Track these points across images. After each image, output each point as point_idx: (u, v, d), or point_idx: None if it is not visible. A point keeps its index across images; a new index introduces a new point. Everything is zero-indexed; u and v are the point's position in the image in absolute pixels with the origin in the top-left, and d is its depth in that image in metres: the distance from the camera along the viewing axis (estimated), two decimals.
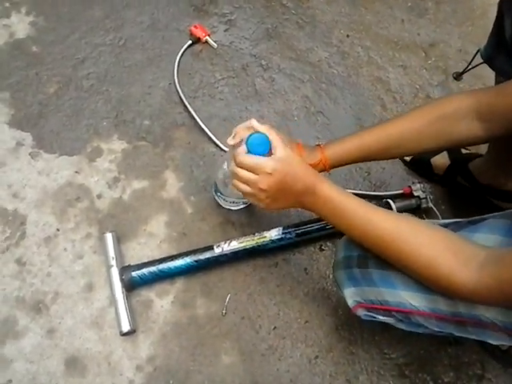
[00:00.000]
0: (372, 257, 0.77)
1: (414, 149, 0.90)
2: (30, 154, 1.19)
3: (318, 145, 0.92)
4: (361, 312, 0.84)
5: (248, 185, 0.77)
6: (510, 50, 0.91)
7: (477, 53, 1.05)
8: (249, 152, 0.76)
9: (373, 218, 0.72)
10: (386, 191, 1.22)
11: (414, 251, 0.68)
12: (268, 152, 0.75)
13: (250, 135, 0.76)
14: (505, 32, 0.91)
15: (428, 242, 0.68)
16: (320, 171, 0.87)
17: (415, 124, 0.86)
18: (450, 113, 0.83)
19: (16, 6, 1.42)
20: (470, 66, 1.08)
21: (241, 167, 0.76)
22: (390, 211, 0.79)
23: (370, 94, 1.40)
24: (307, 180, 0.74)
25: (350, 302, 0.84)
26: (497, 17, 0.94)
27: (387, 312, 0.79)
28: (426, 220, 0.77)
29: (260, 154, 0.75)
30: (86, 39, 1.39)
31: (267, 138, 0.76)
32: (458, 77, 1.18)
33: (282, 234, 1.07)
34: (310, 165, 0.81)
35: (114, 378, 0.98)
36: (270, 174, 0.73)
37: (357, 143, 0.90)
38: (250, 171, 0.75)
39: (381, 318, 0.81)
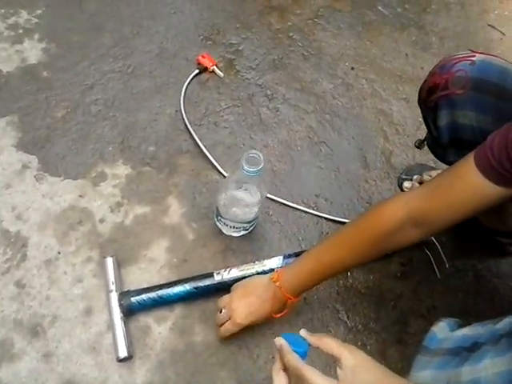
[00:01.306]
0: None
1: (364, 258, 0.90)
2: (35, 177, 1.20)
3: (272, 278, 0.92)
4: None
5: None
6: (442, 146, 0.99)
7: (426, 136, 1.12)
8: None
9: None
10: None
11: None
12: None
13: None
14: (431, 131, 1.00)
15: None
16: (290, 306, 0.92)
17: (355, 250, 0.86)
18: (386, 230, 0.82)
19: (29, 33, 1.45)
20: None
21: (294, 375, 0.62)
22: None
23: (373, 126, 1.42)
24: None
25: None
26: (423, 118, 1.04)
27: None
28: None
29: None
30: (96, 66, 1.42)
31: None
32: (420, 145, 1.20)
33: (283, 262, 1.07)
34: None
35: None
36: None
37: (311, 267, 0.89)
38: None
39: None
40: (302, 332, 0.66)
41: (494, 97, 0.85)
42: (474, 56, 0.88)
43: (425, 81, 0.95)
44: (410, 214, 0.80)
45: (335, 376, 0.59)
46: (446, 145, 0.98)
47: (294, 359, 0.60)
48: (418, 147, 1.23)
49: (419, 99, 0.99)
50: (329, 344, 0.62)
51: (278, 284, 0.89)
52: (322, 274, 0.89)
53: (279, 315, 0.91)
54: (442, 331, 0.91)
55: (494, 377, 0.71)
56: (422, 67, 1.56)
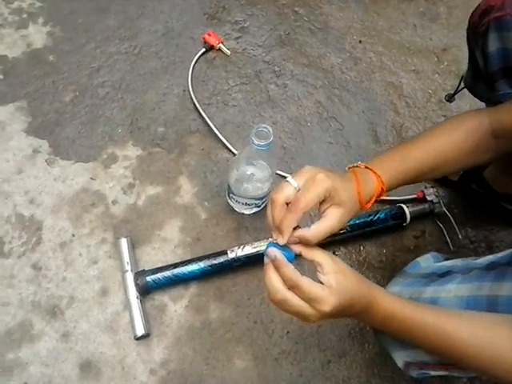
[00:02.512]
0: None
1: (456, 166, 0.84)
2: (46, 161, 1.21)
3: (367, 167, 0.77)
4: (413, 372, 0.82)
5: (296, 312, 0.62)
6: (485, 80, 0.94)
7: (461, 79, 1.07)
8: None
9: (446, 329, 0.65)
10: (399, 196, 1.21)
11: (495, 357, 0.63)
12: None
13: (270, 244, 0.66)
14: (478, 64, 0.94)
15: (508, 345, 0.63)
16: (378, 197, 0.76)
17: (452, 139, 0.81)
18: (475, 129, 0.80)
19: (33, 17, 1.45)
20: (459, 88, 1.09)
21: (289, 285, 0.61)
22: (454, 311, 0.70)
23: (382, 99, 1.40)
24: (363, 301, 0.64)
25: (400, 364, 0.83)
26: (469, 49, 0.98)
27: (442, 366, 0.77)
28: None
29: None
30: (102, 48, 1.41)
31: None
32: (450, 99, 1.18)
33: None
34: (370, 195, 0.73)
35: (128, 382, 0.98)
36: (328, 310, 0.60)
37: (408, 164, 0.80)
38: (300, 296, 0.61)
39: (434, 373, 0.80)
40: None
41: None
42: None
43: (477, 6, 0.90)
44: (491, 122, 0.78)
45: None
46: (495, 75, 0.92)
47: (290, 271, 0.60)
48: (448, 101, 1.20)
49: (469, 26, 0.94)
50: (312, 251, 0.63)
51: (373, 168, 0.76)
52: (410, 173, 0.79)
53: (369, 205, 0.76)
54: (426, 261, 0.94)
55: (453, 299, 0.74)
56: (430, 38, 1.54)
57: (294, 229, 0.63)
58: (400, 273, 0.97)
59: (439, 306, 0.75)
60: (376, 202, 0.76)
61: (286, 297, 0.60)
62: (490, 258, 0.78)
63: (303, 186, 0.64)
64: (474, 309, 0.70)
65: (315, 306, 0.59)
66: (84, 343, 1.02)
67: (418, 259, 0.96)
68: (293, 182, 0.64)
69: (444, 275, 0.82)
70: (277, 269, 0.61)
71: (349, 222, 0.70)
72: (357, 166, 0.76)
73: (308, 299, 0.59)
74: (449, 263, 0.88)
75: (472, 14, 0.91)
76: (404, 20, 1.58)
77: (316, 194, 0.62)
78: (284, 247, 0.64)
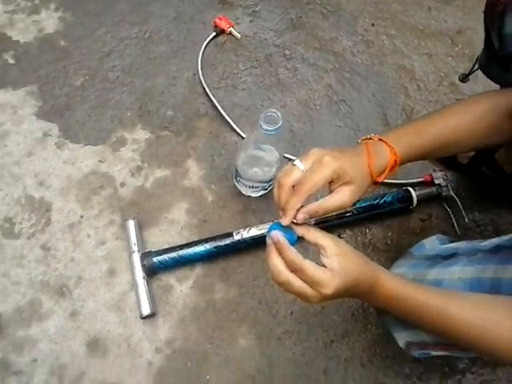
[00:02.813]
0: None
1: (469, 144, 0.83)
2: (56, 144, 1.22)
3: (380, 139, 0.75)
4: (415, 352, 0.83)
5: (298, 293, 0.63)
6: (500, 61, 0.92)
7: (477, 59, 1.04)
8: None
9: (449, 310, 0.65)
10: (407, 179, 1.20)
11: (497, 338, 0.63)
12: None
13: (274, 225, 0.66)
14: (494, 45, 0.92)
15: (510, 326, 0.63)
16: (391, 170, 0.75)
17: (468, 117, 0.80)
18: (491, 108, 0.79)
19: (45, 3, 1.46)
20: (474, 68, 1.07)
21: (292, 268, 0.62)
22: (457, 293, 0.69)
23: (393, 83, 1.38)
24: (366, 282, 0.65)
25: (402, 344, 0.84)
26: (485, 30, 0.95)
27: (443, 347, 0.78)
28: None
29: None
30: (112, 33, 1.42)
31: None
32: (464, 79, 1.15)
33: None
34: (383, 167, 0.72)
35: (134, 360, 1.00)
36: (330, 293, 0.61)
37: (422, 138, 0.78)
38: (303, 278, 0.61)
39: (435, 353, 0.80)
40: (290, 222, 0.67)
41: None
42: None
43: None
44: (508, 103, 0.78)
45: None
46: (510, 56, 0.89)
47: (292, 254, 0.61)
48: (461, 81, 1.18)
49: (486, 6, 0.91)
50: (315, 234, 0.64)
51: (386, 140, 0.75)
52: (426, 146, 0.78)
53: (382, 178, 0.75)
54: (431, 243, 0.94)
55: (457, 281, 0.74)
56: (445, 20, 1.51)
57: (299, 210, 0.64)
58: (405, 254, 0.96)
59: (443, 287, 0.75)
60: (382, 183, 0.76)
61: (288, 279, 0.61)
62: (494, 240, 0.78)
63: (310, 168, 0.64)
64: (477, 291, 0.70)
65: (317, 288, 0.60)
66: (91, 322, 1.03)
67: (424, 241, 0.96)
68: (300, 165, 0.65)
69: (448, 257, 0.81)
70: (279, 252, 0.62)
71: (362, 195, 0.70)
72: (370, 138, 0.75)
73: (310, 282, 0.60)
74: (454, 245, 0.87)
75: None
76: (418, 2, 1.55)
77: (322, 176, 0.63)
78: (287, 229, 0.65)
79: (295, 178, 0.64)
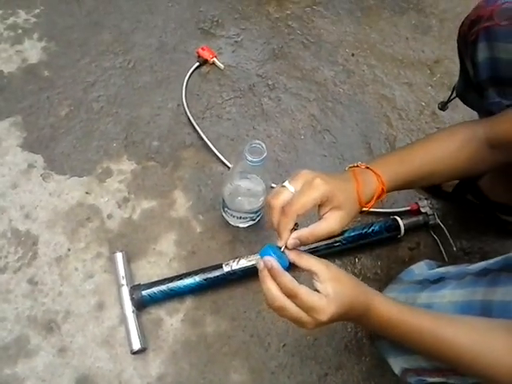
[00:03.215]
0: None
1: (452, 174, 0.85)
2: (41, 176, 1.21)
3: (367, 167, 0.76)
4: (411, 378, 0.83)
5: (293, 319, 0.63)
6: (476, 88, 0.96)
7: (454, 88, 1.09)
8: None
9: (444, 334, 0.65)
10: (393, 208, 1.22)
11: (492, 362, 0.63)
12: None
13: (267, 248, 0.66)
14: (469, 73, 0.96)
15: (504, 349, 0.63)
16: (378, 198, 0.75)
17: (448, 147, 0.81)
18: (470, 139, 0.81)
19: (28, 32, 1.46)
20: (452, 96, 1.11)
21: (287, 294, 0.61)
22: (451, 316, 0.70)
23: (375, 112, 1.42)
24: (360, 306, 0.65)
25: (398, 371, 0.84)
26: (460, 59, 1.00)
27: (439, 373, 0.77)
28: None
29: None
30: (96, 63, 1.42)
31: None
32: (443, 107, 1.19)
33: None
34: (370, 194, 0.73)
35: None
36: (325, 319, 0.61)
37: (406, 168, 0.80)
38: (298, 304, 0.61)
39: (431, 380, 0.80)
40: (282, 248, 0.66)
41: None
42: None
43: (467, 16, 0.91)
44: (486, 132, 0.80)
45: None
46: (484, 84, 0.93)
47: (287, 279, 0.60)
48: (441, 109, 1.21)
49: (459, 35, 0.95)
50: (307, 259, 0.65)
51: (373, 169, 0.76)
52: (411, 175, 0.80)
53: (369, 205, 0.75)
54: (420, 269, 0.96)
55: (448, 304, 0.75)
56: (423, 50, 1.56)
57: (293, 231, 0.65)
58: (395, 280, 0.98)
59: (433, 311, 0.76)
60: (366, 213, 0.78)
61: (283, 305, 0.61)
62: (482, 264, 0.79)
63: (300, 189, 0.65)
64: (468, 314, 0.70)
65: (313, 314, 0.60)
66: (81, 358, 1.01)
67: (412, 266, 0.97)
68: (289, 187, 0.65)
69: (437, 281, 0.83)
70: (274, 277, 0.62)
71: (350, 222, 0.71)
72: (357, 166, 0.76)
73: (306, 308, 0.60)
74: (442, 270, 0.89)
75: (462, 24, 0.93)
76: (396, 33, 1.60)
77: (312, 198, 0.64)
78: (279, 253, 0.64)
79: (285, 199, 0.65)
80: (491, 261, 0.78)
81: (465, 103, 1.07)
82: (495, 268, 0.75)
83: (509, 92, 0.91)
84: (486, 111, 0.93)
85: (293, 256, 0.65)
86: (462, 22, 0.93)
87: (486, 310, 0.69)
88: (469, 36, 0.91)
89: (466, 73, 0.98)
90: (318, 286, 0.62)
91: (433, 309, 0.76)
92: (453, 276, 0.81)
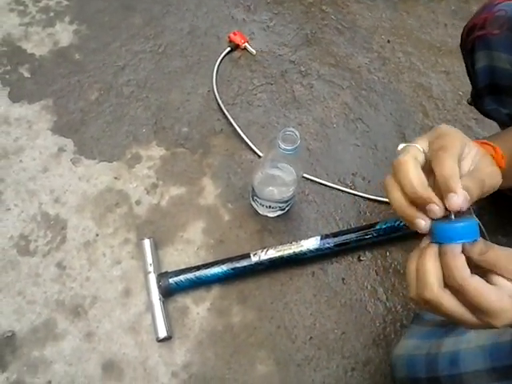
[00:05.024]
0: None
1: None
2: (71, 160, 1.21)
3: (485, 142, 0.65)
4: None
5: (451, 318, 0.48)
6: (480, 93, 0.96)
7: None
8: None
9: None
10: None
11: None
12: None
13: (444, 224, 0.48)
14: (471, 77, 0.97)
15: None
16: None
17: None
18: None
19: (60, 16, 1.45)
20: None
21: (451, 284, 0.46)
22: None
23: (411, 101, 1.37)
24: None
25: None
26: (464, 62, 0.99)
27: None
28: None
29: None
30: (127, 47, 1.41)
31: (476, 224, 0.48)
32: (471, 103, 1.15)
33: (320, 243, 1.06)
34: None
35: None
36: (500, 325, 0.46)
37: None
38: (463, 301, 0.46)
39: None
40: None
41: None
42: None
43: (467, 23, 0.91)
44: None
45: None
46: (483, 91, 0.94)
47: (459, 267, 0.45)
48: (470, 104, 1.18)
49: (460, 41, 0.95)
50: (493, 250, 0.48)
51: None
52: None
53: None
54: None
55: (476, 350, 0.70)
56: None
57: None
58: (416, 319, 0.94)
59: (461, 360, 0.71)
60: None
61: (439, 300, 0.46)
62: None
63: (437, 138, 0.52)
64: (497, 358, 0.65)
65: (482, 318, 0.45)
66: (107, 343, 1.02)
67: None
68: (417, 145, 0.52)
69: None
70: (445, 259, 0.46)
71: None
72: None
73: (474, 309, 0.45)
74: None
75: (463, 30, 0.93)
76: (434, 19, 1.55)
77: (462, 141, 0.51)
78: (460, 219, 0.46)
79: (416, 155, 0.51)
80: None
81: (476, 107, 1.05)
82: None
83: (506, 100, 0.90)
84: (495, 119, 0.97)
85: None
86: (463, 28, 0.92)
87: None
88: (467, 44, 0.91)
89: (471, 78, 0.98)
90: (499, 281, 0.46)
91: (459, 358, 0.71)
92: None
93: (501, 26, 0.82)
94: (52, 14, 1.45)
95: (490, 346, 0.68)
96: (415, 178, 0.48)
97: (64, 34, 1.42)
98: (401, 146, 0.54)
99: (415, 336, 0.87)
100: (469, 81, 1.01)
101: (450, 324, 0.80)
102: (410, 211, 0.49)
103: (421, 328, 0.89)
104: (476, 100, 1.02)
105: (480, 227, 0.48)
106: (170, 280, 1.02)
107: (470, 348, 0.71)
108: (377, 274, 1.11)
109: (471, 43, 0.89)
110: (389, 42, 1.49)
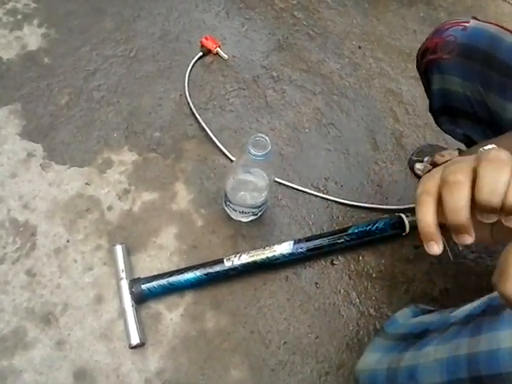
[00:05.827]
0: None
1: None
2: (40, 165, 1.19)
3: None
4: None
5: None
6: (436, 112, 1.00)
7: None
8: None
9: None
10: (398, 205, 1.20)
11: None
12: None
13: None
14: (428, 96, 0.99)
15: None
16: None
17: None
18: None
19: (28, 18, 1.43)
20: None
21: None
22: None
23: (382, 106, 1.39)
24: None
25: None
26: (422, 82, 1.02)
27: None
28: None
29: None
30: (97, 51, 1.40)
31: None
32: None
33: (293, 248, 1.06)
34: None
35: None
36: None
37: None
38: None
39: None
40: None
41: (481, 64, 0.83)
42: (468, 22, 0.85)
43: (421, 45, 0.94)
44: None
45: None
46: (439, 112, 0.97)
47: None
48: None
49: (416, 62, 0.98)
50: None
51: None
52: None
53: None
54: (404, 317, 0.94)
55: (433, 363, 0.72)
56: None
57: None
58: (379, 332, 0.97)
59: (419, 374, 0.73)
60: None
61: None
62: (465, 309, 0.77)
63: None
64: (454, 371, 0.67)
65: None
66: (78, 351, 1.00)
67: (396, 315, 0.96)
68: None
69: (421, 335, 0.80)
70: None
71: None
72: None
73: None
74: (426, 319, 0.86)
75: (417, 52, 0.95)
76: (404, 25, 1.58)
77: None
78: None
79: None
80: (474, 303, 0.75)
81: (435, 122, 1.08)
82: (478, 312, 0.72)
83: (461, 122, 0.94)
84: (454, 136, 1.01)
85: None
86: (417, 51, 0.95)
87: (472, 364, 0.66)
88: (421, 65, 0.94)
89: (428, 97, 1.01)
90: None
91: (418, 370, 0.73)
92: (437, 328, 0.79)
93: (451, 51, 0.85)
94: (20, 17, 1.43)
95: (447, 360, 0.69)
96: (467, 206, 0.40)
97: (32, 37, 1.40)
98: (455, 153, 0.47)
99: (378, 349, 0.89)
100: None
101: (411, 337, 0.82)
102: (437, 233, 0.42)
103: (383, 341, 0.90)
104: (434, 118, 1.06)
105: None
106: (143, 286, 1.01)
107: (428, 362, 0.73)
108: (350, 278, 1.12)
109: (425, 65, 0.92)
110: (360, 47, 1.51)
